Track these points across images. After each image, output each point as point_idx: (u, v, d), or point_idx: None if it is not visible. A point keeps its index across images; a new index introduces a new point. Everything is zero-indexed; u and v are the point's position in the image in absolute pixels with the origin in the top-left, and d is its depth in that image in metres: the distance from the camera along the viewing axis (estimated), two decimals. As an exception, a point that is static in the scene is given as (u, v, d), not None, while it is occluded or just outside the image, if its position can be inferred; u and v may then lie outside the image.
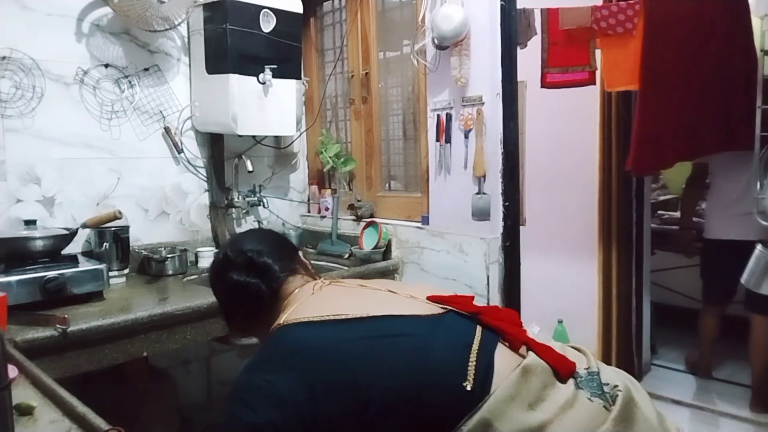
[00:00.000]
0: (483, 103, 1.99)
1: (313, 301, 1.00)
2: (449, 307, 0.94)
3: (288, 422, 0.80)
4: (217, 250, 1.14)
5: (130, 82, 2.14)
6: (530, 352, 0.87)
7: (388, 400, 0.80)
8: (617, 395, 0.83)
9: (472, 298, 0.99)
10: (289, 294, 1.07)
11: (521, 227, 2.05)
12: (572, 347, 0.97)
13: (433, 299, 0.98)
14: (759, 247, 2.26)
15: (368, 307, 0.93)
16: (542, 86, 2.43)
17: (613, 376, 0.89)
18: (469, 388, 0.80)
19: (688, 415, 2.83)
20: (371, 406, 0.80)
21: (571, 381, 0.85)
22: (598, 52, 2.39)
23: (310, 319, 0.92)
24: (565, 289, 3.28)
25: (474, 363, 0.83)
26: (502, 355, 0.86)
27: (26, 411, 0.96)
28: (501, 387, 0.80)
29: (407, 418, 0.80)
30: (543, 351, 0.87)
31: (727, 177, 2.91)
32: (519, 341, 0.89)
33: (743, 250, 2.64)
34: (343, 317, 0.90)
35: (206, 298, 1.74)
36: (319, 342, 0.87)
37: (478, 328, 0.90)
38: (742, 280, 2.33)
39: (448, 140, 2.11)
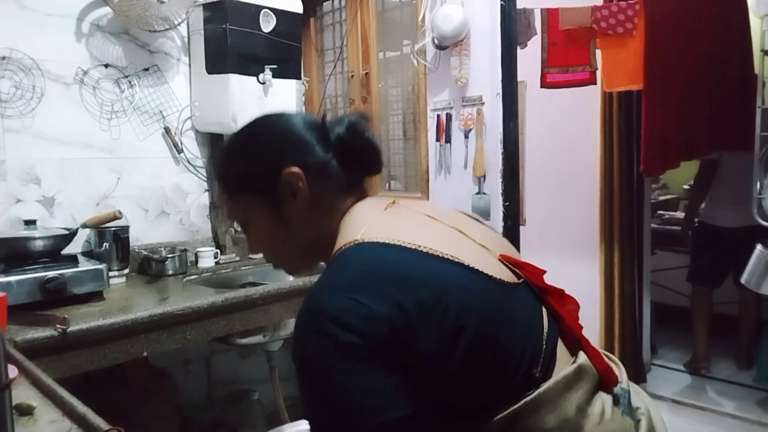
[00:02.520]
0: (483, 103, 1.99)
1: (387, 223, 0.84)
2: (524, 277, 0.84)
3: (384, 337, 0.69)
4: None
5: (130, 82, 2.14)
6: (581, 352, 0.82)
7: (478, 342, 0.72)
8: (641, 419, 0.82)
9: (543, 272, 0.87)
10: (349, 207, 0.89)
11: (521, 227, 2.05)
12: (607, 356, 0.90)
13: (506, 259, 0.84)
14: (759, 247, 2.26)
15: (446, 246, 0.79)
16: (542, 86, 2.43)
17: (636, 398, 0.86)
18: (537, 375, 0.76)
19: (688, 415, 2.82)
20: (463, 335, 0.71)
21: (610, 393, 0.81)
22: (598, 52, 2.39)
23: (390, 242, 0.77)
24: (565, 289, 3.28)
25: (543, 348, 0.78)
26: (561, 347, 0.82)
27: (26, 411, 0.96)
28: (559, 378, 0.75)
29: (484, 372, 0.73)
30: (594, 355, 0.82)
31: (729, 166, 2.95)
32: (575, 338, 0.84)
33: (735, 236, 2.73)
34: (425, 250, 0.77)
35: (206, 298, 1.74)
36: (407, 265, 0.75)
37: (544, 311, 0.83)
38: (742, 280, 2.34)
39: (448, 140, 2.11)
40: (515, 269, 0.83)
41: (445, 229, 0.85)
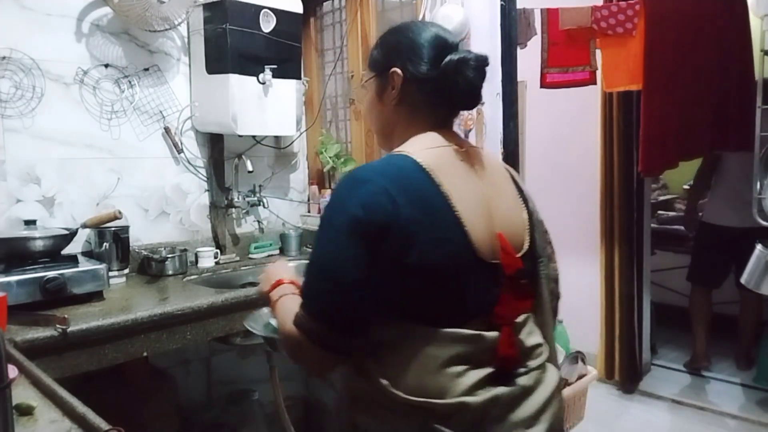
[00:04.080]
0: (483, 103, 1.99)
1: (439, 157, 0.98)
2: (498, 260, 0.97)
3: (378, 212, 0.90)
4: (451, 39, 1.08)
5: (130, 82, 2.14)
6: (491, 333, 0.95)
7: (429, 278, 0.92)
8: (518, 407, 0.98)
9: (518, 266, 0.99)
10: (428, 128, 1.04)
11: (521, 227, 2.04)
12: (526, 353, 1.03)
13: (499, 238, 0.98)
14: (759, 247, 2.26)
15: (462, 201, 0.95)
16: (542, 86, 2.43)
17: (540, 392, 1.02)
18: (464, 320, 0.94)
19: (688, 415, 2.83)
20: (423, 271, 0.91)
21: (500, 372, 0.96)
22: (598, 52, 2.39)
23: (428, 170, 0.94)
24: (565, 289, 3.27)
25: (475, 313, 0.95)
26: (485, 322, 0.97)
27: (26, 411, 0.96)
28: (463, 332, 0.93)
29: (427, 300, 0.93)
30: (505, 342, 0.96)
31: (731, 166, 2.95)
32: (503, 322, 0.97)
33: (736, 236, 2.73)
34: (446, 192, 0.93)
35: (206, 298, 1.74)
36: (424, 188, 0.93)
37: (495, 291, 0.97)
38: (742, 280, 2.34)
39: (448, 140, 2.11)
40: (502, 250, 0.98)
41: (477, 190, 0.99)
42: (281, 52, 2.22)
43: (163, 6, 1.97)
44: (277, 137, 2.61)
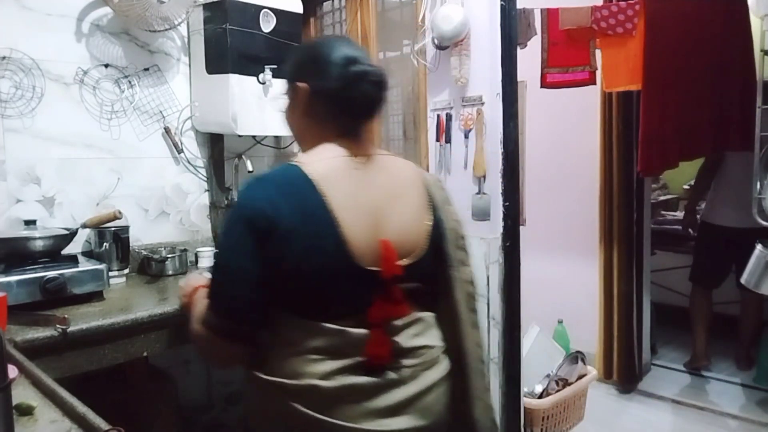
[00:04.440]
0: (483, 103, 1.99)
1: (330, 168, 1.07)
2: (375, 269, 1.05)
3: (264, 218, 1.00)
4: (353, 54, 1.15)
5: (130, 82, 2.14)
6: (362, 330, 1.04)
7: (301, 279, 1.03)
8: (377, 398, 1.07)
9: (396, 272, 1.06)
10: (331, 138, 1.12)
11: (521, 227, 2.05)
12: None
13: (382, 245, 1.05)
14: (759, 247, 2.26)
15: (346, 210, 1.04)
16: (542, 86, 2.43)
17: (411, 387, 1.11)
18: (337, 317, 1.05)
19: (688, 415, 2.83)
20: (296, 271, 1.01)
21: (368, 367, 1.05)
22: (598, 52, 2.39)
23: (314, 180, 1.04)
24: (565, 289, 3.29)
25: (351, 311, 1.05)
26: (363, 320, 1.06)
27: (26, 411, 0.96)
28: (329, 326, 1.03)
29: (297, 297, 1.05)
30: (376, 342, 1.05)
31: (733, 166, 2.95)
32: (376, 322, 1.06)
33: (738, 237, 2.73)
34: (328, 201, 1.03)
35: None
36: (306, 196, 1.03)
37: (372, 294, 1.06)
38: (742, 280, 2.33)
39: (448, 140, 2.11)
40: (382, 257, 1.05)
41: (367, 199, 1.07)
42: (281, 52, 2.22)
43: (163, 6, 1.97)
44: (277, 137, 2.61)
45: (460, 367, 1.17)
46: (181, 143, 2.28)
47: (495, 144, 1.97)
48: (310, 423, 1.00)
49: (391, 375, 1.05)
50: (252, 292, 1.03)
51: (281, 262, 1.01)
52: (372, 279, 1.04)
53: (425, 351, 1.11)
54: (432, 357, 1.12)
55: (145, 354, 1.61)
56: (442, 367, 1.14)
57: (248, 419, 1.12)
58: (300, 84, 1.14)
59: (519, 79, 2.01)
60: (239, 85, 2.12)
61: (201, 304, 1.11)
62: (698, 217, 3.31)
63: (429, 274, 1.15)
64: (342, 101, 1.11)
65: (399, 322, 1.08)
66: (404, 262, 1.08)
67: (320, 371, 1.01)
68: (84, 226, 1.91)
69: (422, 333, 1.12)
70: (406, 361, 1.08)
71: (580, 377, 2.66)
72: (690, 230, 3.41)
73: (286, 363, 1.03)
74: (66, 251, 1.84)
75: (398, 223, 1.09)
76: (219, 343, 1.06)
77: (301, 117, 1.17)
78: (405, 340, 1.09)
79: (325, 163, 1.07)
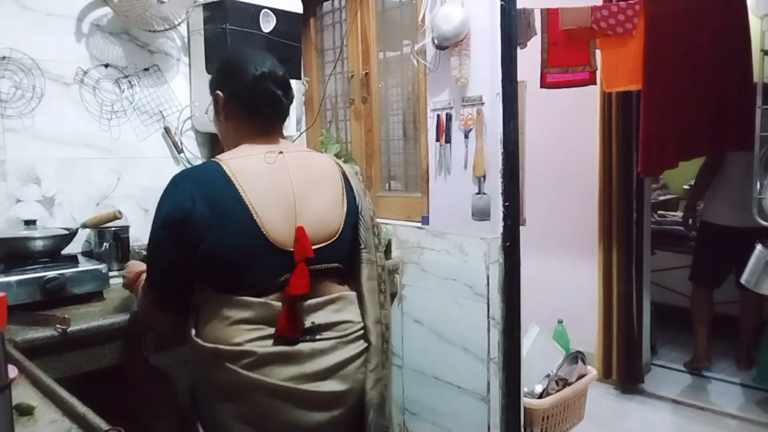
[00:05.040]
0: (483, 103, 1.99)
1: (245, 165, 1.24)
2: (291, 249, 1.21)
3: (180, 210, 1.19)
4: (257, 60, 1.35)
5: (130, 82, 2.14)
6: (276, 303, 1.21)
7: (218, 259, 1.20)
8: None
9: (309, 255, 1.22)
10: (250, 137, 1.31)
11: (521, 227, 2.05)
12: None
13: (297, 231, 1.22)
14: (759, 247, 2.26)
15: (261, 202, 1.20)
16: (542, 86, 2.43)
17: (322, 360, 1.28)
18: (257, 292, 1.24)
19: (688, 415, 2.83)
20: (213, 252, 1.19)
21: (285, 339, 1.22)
22: (598, 52, 2.39)
23: (229, 175, 1.21)
24: (565, 289, 3.29)
25: (269, 286, 1.23)
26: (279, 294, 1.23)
27: (26, 411, 0.96)
28: (249, 299, 1.21)
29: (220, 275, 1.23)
30: (287, 316, 1.20)
31: (734, 165, 2.95)
32: (291, 297, 1.21)
33: (738, 236, 2.73)
34: (241, 193, 1.19)
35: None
36: (220, 189, 1.20)
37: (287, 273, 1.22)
38: (742, 280, 2.34)
39: (448, 140, 2.11)
40: (296, 240, 1.21)
41: (281, 191, 1.24)
42: (281, 52, 2.22)
43: (163, 6, 1.97)
44: (277, 137, 2.61)
45: (366, 341, 1.32)
46: (181, 143, 2.28)
47: (495, 144, 1.97)
48: (246, 383, 1.17)
49: (315, 345, 1.22)
50: (175, 273, 1.25)
51: (198, 245, 1.19)
52: (289, 260, 1.20)
53: (345, 325, 1.28)
54: (352, 331, 1.29)
55: (145, 354, 1.61)
56: (361, 342, 1.31)
57: (194, 389, 1.29)
58: (218, 92, 1.34)
59: (519, 79, 2.01)
60: (239, 85, 2.12)
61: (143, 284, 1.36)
62: (698, 216, 3.31)
63: (346, 255, 1.33)
64: (250, 101, 1.30)
65: (318, 299, 1.25)
66: (320, 245, 1.25)
67: (249, 338, 1.19)
68: (84, 226, 1.91)
69: (343, 309, 1.29)
70: (328, 334, 1.25)
71: (580, 377, 2.66)
72: (690, 230, 3.41)
73: (221, 333, 1.20)
74: (66, 251, 1.84)
75: (314, 210, 1.26)
76: (156, 314, 1.32)
77: (223, 122, 1.36)
78: (326, 315, 1.26)
79: (241, 160, 1.24)
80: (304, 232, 1.22)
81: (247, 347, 1.17)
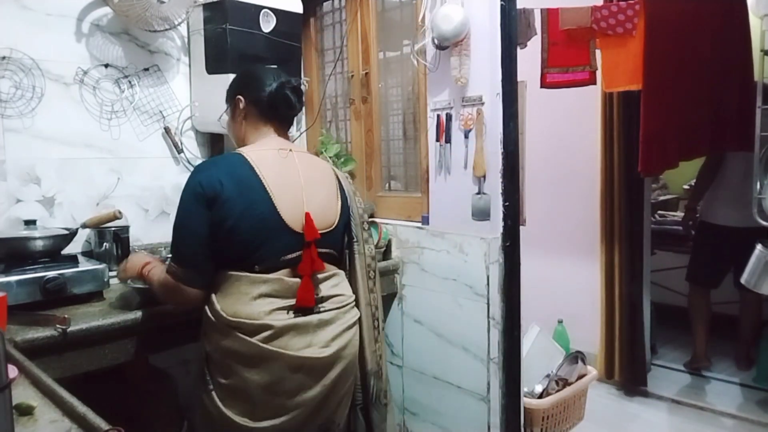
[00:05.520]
0: (483, 103, 1.99)
1: (264, 156, 1.44)
2: (301, 232, 1.41)
3: (210, 188, 1.37)
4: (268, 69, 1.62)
5: (130, 82, 2.14)
6: (292, 279, 1.40)
7: (239, 236, 1.38)
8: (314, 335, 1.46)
9: (317, 236, 1.42)
10: (263, 135, 1.53)
11: (521, 227, 2.05)
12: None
13: (306, 217, 1.41)
14: (759, 247, 2.25)
15: (277, 186, 1.40)
16: (542, 86, 2.43)
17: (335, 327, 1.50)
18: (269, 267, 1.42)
19: (688, 415, 2.83)
20: (235, 229, 1.36)
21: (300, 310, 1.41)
22: (598, 52, 2.39)
23: (251, 163, 1.41)
24: (565, 289, 3.29)
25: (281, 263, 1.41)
26: (292, 270, 1.42)
27: (26, 411, 0.96)
28: (270, 276, 1.40)
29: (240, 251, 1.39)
30: (304, 288, 1.40)
31: (734, 165, 2.95)
32: (305, 273, 1.41)
33: (738, 236, 2.73)
34: (262, 178, 1.39)
35: (206, 298, 1.73)
36: (244, 174, 1.40)
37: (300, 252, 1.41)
38: (742, 280, 2.33)
39: (448, 140, 2.11)
40: (305, 224, 1.41)
41: (292, 180, 1.44)
42: (281, 52, 2.22)
43: (163, 6, 1.97)
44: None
45: (359, 310, 1.56)
46: (181, 143, 2.28)
47: (495, 144, 1.97)
48: (263, 353, 1.34)
49: (321, 317, 1.42)
50: (203, 247, 1.37)
51: (224, 221, 1.35)
52: (300, 240, 1.39)
53: (341, 298, 1.49)
54: (345, 303, 1.50)
55: (145, 354, 1.61)
56: (354, 312, 1.53)
57: (209, 354, 1.41)
58: (238, 97, 1.54)
59: (519, 79, 2.01)
60: (239, 85, 2.12)
61: (158, 268, 1.49)
62: (698, 217, 3.31)
63: (339, 243, 1.55)
64: (269, 104, 1.51)
65: (320, 275, 1.45)
66: (322, 231, 1.44)
67: (267, 312, 1.35)
68: (84, 226, 1.91)
69: (338, 285, 1.51)
70: (327, 305, 1.44)
71: (580, 377, 2.66)
72: (690, 231, 3.41)
73: (241, 307, 1.35)
74: (66, 251, 1.84)
75: (317, 202, 1.46)
76: (181, 289, 1.39)
77: (240, 123, 1.56)
78: (326, 289, 1.46)
79: (259, 153, 1.45)
80: (311, 217, 1.41)
81: (266, 320, 1.34)
